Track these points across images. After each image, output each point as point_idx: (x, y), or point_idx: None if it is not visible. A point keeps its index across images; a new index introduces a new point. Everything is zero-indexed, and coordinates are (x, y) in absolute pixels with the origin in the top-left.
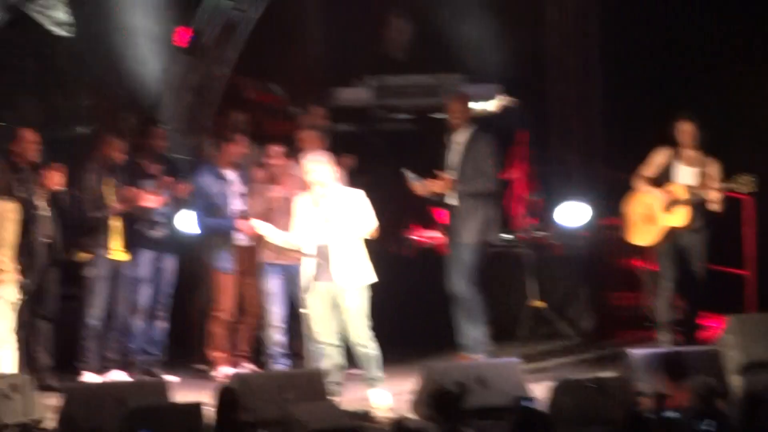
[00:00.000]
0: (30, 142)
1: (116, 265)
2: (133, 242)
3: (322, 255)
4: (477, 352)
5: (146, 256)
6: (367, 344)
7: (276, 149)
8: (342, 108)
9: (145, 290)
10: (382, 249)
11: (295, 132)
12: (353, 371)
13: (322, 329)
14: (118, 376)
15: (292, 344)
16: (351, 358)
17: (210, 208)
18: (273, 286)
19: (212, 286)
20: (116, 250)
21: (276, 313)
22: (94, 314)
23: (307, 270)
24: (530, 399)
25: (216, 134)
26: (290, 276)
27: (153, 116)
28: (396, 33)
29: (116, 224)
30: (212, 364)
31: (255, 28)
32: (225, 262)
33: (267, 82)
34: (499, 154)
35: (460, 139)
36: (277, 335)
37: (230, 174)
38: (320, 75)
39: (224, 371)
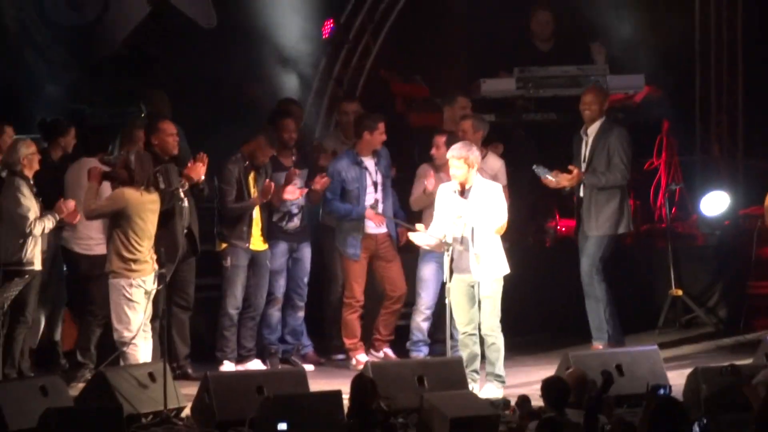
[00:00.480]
0: (169, 134)
1: (254, 255)
2: (269, 233)
3: (461, 246)
4: (606, 341)
5: (282, 247)
6: (496, 337)
7: (440, 138)
8: (485, 99)
9: (281, 281)
10: (523, 239)
11: (439, 123)
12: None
13: (460, 319)
14: (256, 365)
15: (436, 331)
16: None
17: (343, 193)
18: (426, 272)
19: (344, 274)
20: (255, 240)
21: (424, 299)
22: (232, 304)
23: (447, 260)
24: (666, 387)
25: (357, 123)
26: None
27: (286, 108)
28: (541, 24)
29: (256, 215)
30: (348, 352)
31: (398, 19)
32: (354, 249)
33: (411, 74)
34: (631, 147)
35: (592, 131)
36: (421, 321)
37: (368, 162)
38: (464, 66)
39: (360, 358)
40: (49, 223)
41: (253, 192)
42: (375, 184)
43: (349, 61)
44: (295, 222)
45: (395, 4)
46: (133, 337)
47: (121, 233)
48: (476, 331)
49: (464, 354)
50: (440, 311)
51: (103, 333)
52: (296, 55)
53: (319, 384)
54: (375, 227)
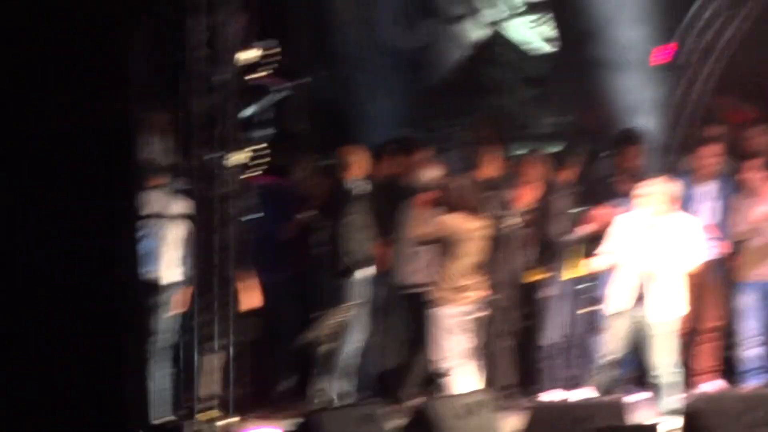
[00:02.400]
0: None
1: (571, 283)
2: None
3: (641, 281)
4: None
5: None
6: (667, 376)
7: (752, 162)
8: None
9: None
10: None
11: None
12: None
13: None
14: (582, 394)
15: None
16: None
17: None
18: (743, 302)
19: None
20: (571, 269)
21: (744, 329)
22: (549, 335)
23: (619, 292)
24: None
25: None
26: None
27: (629, 134)
28: None
29: (579, 246)
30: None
31: (740, 44)
32: None
33: (743, 100)
34: None
35: None
36: (744, 351)
37: (704, 186)
38: None
39: (703, 388)
40: None
41: (579, 221)
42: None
43: (689, 87)
44: None
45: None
46: (454, 368)
47: (448, 261)
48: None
49: None
50: None
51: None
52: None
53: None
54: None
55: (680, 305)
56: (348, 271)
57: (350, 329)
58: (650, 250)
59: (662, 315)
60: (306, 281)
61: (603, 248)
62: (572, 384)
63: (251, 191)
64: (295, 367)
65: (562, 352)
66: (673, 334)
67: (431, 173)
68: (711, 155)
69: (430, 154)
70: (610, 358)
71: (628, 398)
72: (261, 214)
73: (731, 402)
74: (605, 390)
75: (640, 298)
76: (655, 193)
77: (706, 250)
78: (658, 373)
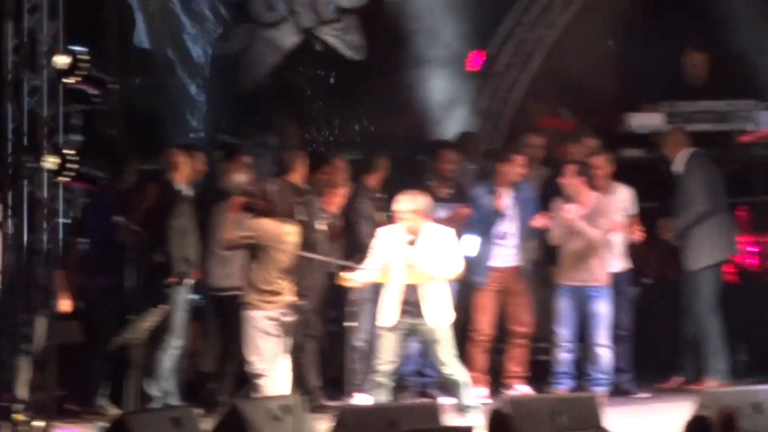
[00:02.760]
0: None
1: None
2: None
3: (407, 293)
4: (720, 379)
5: None
6: (454, 371)
7: (571, 168)
8: (631, 133)
9: None
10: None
11: (586, 156)
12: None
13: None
14: (362, 399)
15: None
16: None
17: (478, 221)
18: (561, 305)
19: (470, 305)
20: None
21: (561, 332)
22: (360, 336)
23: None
24: None
25: (496, 154)
26: (580, 297)
27: (443, 140)
28: (694, 66)
29: None
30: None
31: (549, 52)
32: (481, 277)
33: (558, 107)
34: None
35: (678, 169)
36: (559, 354)
37: (505, 193)
38: (612, 100)
39: (481, 392)
40: None
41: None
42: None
43: (497, 93)
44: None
45: (545, 35)
46: (268, 370)
47: (259, 265)
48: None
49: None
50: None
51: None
52: (441, 87)
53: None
54: (504, 260)
55: (449, 311)
56: (171, 274)
57: (169, 332)
58: (409, 263)
59: (437, 321)
60: (129, 285)
61: (367, 262)
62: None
63: (73, 195)
64: (111, 369)
65: (368, 355)
66: (451, 337)
67: (241, 178)
68: (520, 163)
69: (246, 159)
70: (384, 368)
71: (442, 401)
72: (81, 218)
73: (537, 405)
74: (381, 396)
75: (415, 308)
76: (407, 209)
77: (461, 258)
78: (450, 371)
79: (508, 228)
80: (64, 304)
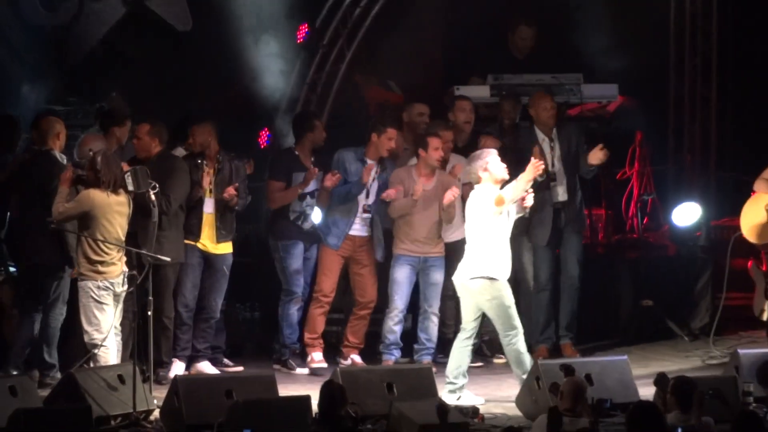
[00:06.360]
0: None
1: (208, 256)
2: (287, 233)
3: None
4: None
5: (300, 247)
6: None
7: (430, 141)
8: None
9: (301, 280)
10: None
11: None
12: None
13: None
14: (206, 367)
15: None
16: None
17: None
18: (400, 275)
19: (318, 265)
20: (206, 241)
21: (397, 302)
22: (181, 302)
23: None
24: (607, 401)
25: (371, 126)
26: (418, 268)
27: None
28: (523, 39)
29: (209, 214)
30: (306, 348)
31: (373, 23)
32: (336, 240)
33: (385, 79)
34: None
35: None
36: (393, 324)
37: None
38: (439, 71)
39: (314, 356)
40: None
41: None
42: (367, 190)
43: (323, 65)
44: (310, 222)
45: (370, 9)
46: (104, 339)
47: (89, 235)
48: None
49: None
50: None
51: (71, 334)
52: (269, 60)
53: (290, 389)
54: (358, 229)
55: None
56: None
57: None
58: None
59: None
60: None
61: None
62: (205, 356)
63: None
64: None
65: (198, 323)
66: None
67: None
68: (392, 137)
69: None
70: None
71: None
72: None
73: (368, 377)
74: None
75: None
76: None
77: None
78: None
79: (366, 200)
80: None
